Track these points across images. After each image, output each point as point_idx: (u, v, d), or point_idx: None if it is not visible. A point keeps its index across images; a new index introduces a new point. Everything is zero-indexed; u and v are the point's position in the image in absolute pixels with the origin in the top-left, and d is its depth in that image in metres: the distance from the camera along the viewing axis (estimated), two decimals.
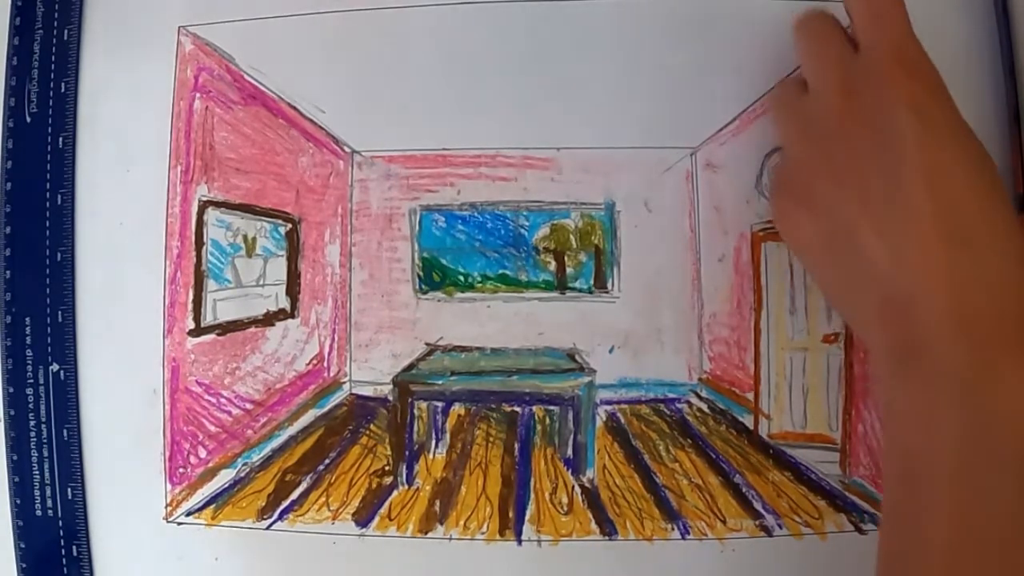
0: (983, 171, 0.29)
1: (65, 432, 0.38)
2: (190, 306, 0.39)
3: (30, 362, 0.38)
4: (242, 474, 0.38)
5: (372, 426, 0.38)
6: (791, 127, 0.35)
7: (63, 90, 0.39)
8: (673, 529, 0.36)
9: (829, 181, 0.31)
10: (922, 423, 0.28)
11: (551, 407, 0.38)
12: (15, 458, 0.38)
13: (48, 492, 0.38)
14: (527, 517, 0.37)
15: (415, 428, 0.38)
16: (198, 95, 0.40)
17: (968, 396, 0.27)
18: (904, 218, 0.29)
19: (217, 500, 0.38)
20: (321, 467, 0.38)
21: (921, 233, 0.28)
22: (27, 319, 0.39)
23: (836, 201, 0.31)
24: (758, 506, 0.36)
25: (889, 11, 0.32)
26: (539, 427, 0.38)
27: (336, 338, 0.39)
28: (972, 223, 0.28)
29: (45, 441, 0.38)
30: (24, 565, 0.38)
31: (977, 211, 0.29)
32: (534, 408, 0.38)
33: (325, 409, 0.39)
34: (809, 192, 0.32)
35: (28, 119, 0.39)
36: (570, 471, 0.37)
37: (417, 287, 0.39)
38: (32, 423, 0.38)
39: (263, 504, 0.38)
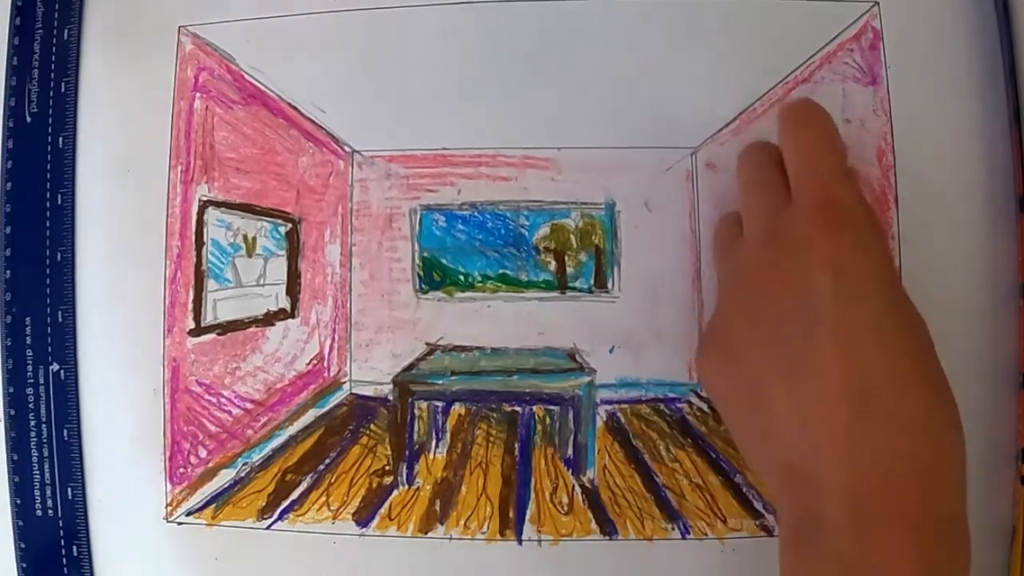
0: (904, 332, 0.28)
1: (65, 432, 0.38)
2: (190, 306, 0.39)
3: (30, 362, 0.38)
4: (242, 474, 0.38)
5: (372, 426, 0.38)
6: (725, 271, 0.35)
7: (63, 90, 0.39)
8: (673, 529, 0.36)
9: (750, 337, 0.30)
10: None
11: (551, 407, 0.38)
12: (15, 458, 0.38)
13: (48, 492, 0.38)
14: (527, 517, 0.37)
15: (415, 428, 0.38)
16: (198, 95, 0.40)
17: None
18: (814, 383, 0.28)
19: (217, 500, 0.38)
20: (321, 467, 0.38)
21: (828, 399, 0.27)
22: (27, 319, 0.39)
23: (754, 358, 0.30)
24: (759, 506, 0.36)
25: (819, 153, 0.30)
26: (539, 427, 0.38)
27: (336, 338, 0.39)
28: (880, 390, 0.27)
29: (45, 441, 0.38)
30: (24, 565, 0.38)
31: (888, 377, 0.27)
32: (534, 408, 0.38)
33: (325, 409, 0.39)
34: (731, 344, 0.32)
35: (28, 119, 0.39)
36: (570, 471, 0.37)
37: (417, 287, 0.39)
38: (32, 423, 0.38)
39: (263, 504, 0.38)
